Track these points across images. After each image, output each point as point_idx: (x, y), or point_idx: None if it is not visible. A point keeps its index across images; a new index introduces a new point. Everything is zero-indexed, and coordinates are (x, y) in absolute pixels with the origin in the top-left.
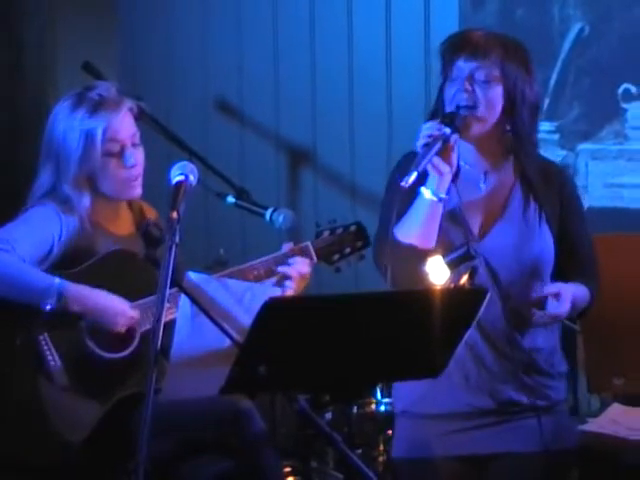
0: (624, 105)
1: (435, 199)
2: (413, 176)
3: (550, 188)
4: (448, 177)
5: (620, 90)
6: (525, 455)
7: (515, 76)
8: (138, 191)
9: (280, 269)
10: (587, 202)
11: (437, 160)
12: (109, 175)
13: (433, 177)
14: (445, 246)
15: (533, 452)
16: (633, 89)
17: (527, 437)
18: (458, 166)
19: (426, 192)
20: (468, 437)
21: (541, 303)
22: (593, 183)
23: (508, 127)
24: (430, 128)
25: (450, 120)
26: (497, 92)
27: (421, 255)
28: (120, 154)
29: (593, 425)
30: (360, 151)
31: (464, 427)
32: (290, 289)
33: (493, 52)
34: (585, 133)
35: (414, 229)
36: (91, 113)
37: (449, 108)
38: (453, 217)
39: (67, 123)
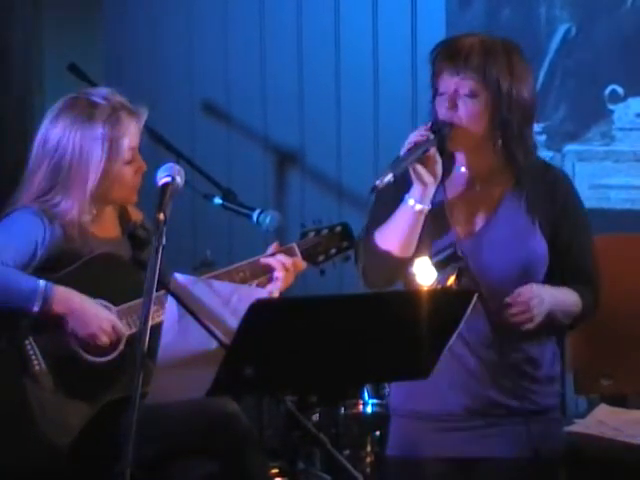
0: (611, 106)
1: (418, 208)
2: (388, 177)
3: (546, 194)
4: (432, 188)
5: (607, 91)
6: (511, 460)
7: (498, 81)
8: (136, 197)
9: (263, 260)
10: None
11: (422, 170)
12: (125, 181)
13: (417, 186)
14: (427, 245)
15: (519, 458)
16: (620, 90)
17: (514, 442)
18: (453, 164)
19: (410, 200)
20: (453, 438)
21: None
22: (580, 184)
23: (498, 135)
24: (416, 135)
25: (438, 129)
26: (482, 104)
27: (396, 263)
28: (133, 162)
29: (580, 426)
30: (347, 153)
31: (447, 427)
32: (277, 280)
33: (474, 62)
34: (572, 134)
35: (393, 236)
36: (114, 122)
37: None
38: (438, 216)
39: (85, 133)
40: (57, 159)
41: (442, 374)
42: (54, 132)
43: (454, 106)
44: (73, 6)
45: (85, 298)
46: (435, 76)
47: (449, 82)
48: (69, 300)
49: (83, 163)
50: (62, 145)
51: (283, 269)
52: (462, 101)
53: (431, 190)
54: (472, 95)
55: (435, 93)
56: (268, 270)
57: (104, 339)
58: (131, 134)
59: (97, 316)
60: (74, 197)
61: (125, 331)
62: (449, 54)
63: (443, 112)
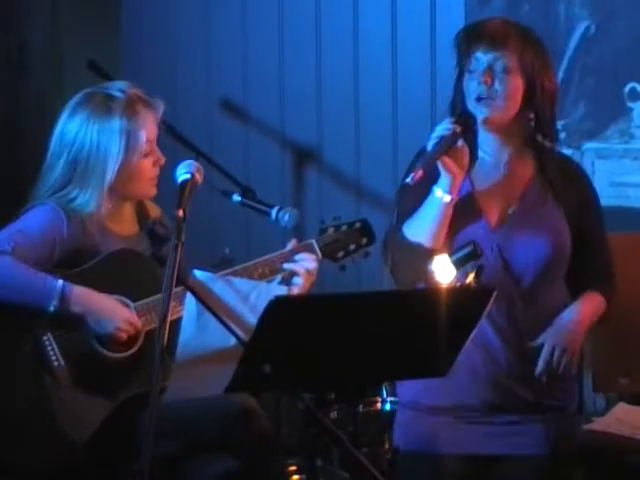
0: (630, 104)
1: (446, 199)
2: (419, 174)
3: (568, 184)
4: (460, 178)
5: (626, 89)
6: (528, 458)
7: (533, 65)
8: (155, 190)
9: (286, 266)
10: None
11: (449, 161)
12: (143, 175)
13: (445, 177)
14: (456, 237)
15: (536, 455)
16: (639, 88)
17: (532, 439)
18: (476, 155)
19: (438, 192)
20: (471, 435)
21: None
22: (599, 182)
23: (531, 116)
24: (442, 128)
25: (464, 121)
26: (516, 82)
27: (427, 254)
28: (150, 154)
29: (598, 424)
30: (365, 150)
31: (464, 422)
32: (298, 286)
33: (511, 42)
34: (591, 132)
35: (423, 228)
36: (131, 114)
37: (469, 101)
38: (467, 206)
39: (103, 126)
40: (75, 153)
41: (471, 367)
42: (71, 126)
43: (488, 81)
44: (91, 4)
45: (103, 297)
46: (465, 55)
47: (483, 58)
48: (86, 301)
49: (101, 157)
50: (79, 139)
51: (307, 274)
52: (497, 77)
53: (459, 181)
54: (507, 72)
55: (460, 75)
56: (293, 274)
57: (123, 337)
58: (148, 126)
59: (115, 315)
60: (91, 191)
61: (142, 326)
62: (485, 33)
63: (477, 88)
